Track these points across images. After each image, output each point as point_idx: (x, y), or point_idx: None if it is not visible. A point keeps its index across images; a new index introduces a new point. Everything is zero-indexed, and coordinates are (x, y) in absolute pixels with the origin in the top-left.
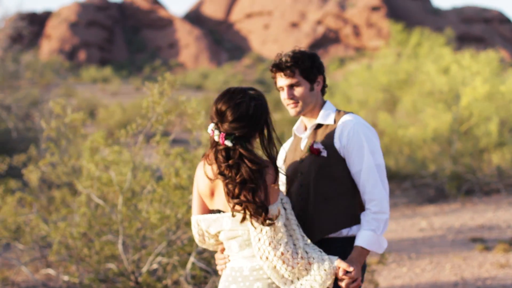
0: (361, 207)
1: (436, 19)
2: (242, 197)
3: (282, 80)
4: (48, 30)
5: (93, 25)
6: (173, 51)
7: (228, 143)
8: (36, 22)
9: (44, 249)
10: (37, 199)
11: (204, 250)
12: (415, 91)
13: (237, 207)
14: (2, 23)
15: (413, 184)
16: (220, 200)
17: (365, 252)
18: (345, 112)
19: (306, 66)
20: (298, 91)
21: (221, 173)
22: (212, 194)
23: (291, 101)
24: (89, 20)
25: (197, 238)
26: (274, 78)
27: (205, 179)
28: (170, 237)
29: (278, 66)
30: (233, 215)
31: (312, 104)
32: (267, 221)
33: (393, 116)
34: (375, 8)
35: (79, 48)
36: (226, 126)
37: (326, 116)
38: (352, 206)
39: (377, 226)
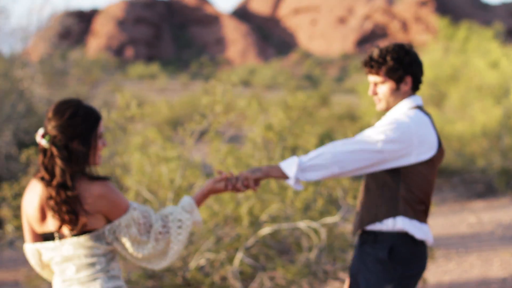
0: (405, 200)
1: (485, 14)
2: (56, 201)
3: (370, 76)
4: (96, 27)
5: (140, 22)
6: (220, 47)
7: (44, 142)
8: (84, 19)
9: None
10: None
11: (253, 245)
12: (463, 86)
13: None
14: (50, 21)
15: (461, 179)
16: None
17: (275, 170)
18: (415, 109)
19: (391, 65)
20: (381, 89)
21: (41, 177)
22: (43, 215)
23: (376, 97)
24: (136, 17)
25: (38, 268)
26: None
27: (34, 199)
28: (218, 233)
29: (365, 63)
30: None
31: (395, 102)
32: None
33: (440, 112)
34: (423, 3)
35: (126, 45)
36: (48, 126)
37: (392, 112)
38: (393, 198)
39: (305, 157)
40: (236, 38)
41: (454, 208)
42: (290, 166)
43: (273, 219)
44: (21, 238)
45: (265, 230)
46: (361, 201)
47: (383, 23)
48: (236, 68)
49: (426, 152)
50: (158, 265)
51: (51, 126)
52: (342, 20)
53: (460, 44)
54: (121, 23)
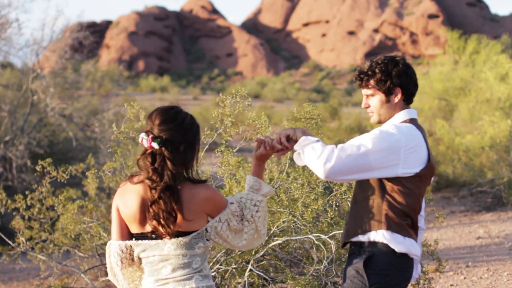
0: (388, 213)
1: (494, 26)
2: (160, 203)
3: (362, 89)
4: (108, 40)
5: (151, 34)
6: (231, 60)
7: (155, 145)
8: (96, 31)
9: (103, 257)
10: (97, 208)
11: (263, 258)
12: (472, 99)
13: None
14: (63, 33)
15: (470, 192)
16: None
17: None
18: (409, 122)
19: (379, 77)
20: (372, 101)
21: (149, 178)
22: (144, 216)
23: (368, 110)
24: (148, 29)
25: (118, 264)
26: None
27: (135, 200)
28: None
29: (355, 76)
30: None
31: (388, 115)
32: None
33: (449, 124)
34: (432, 16)
35: (138, 57)
36: (155, 129)
37: (384, 125)
38: (378, 211)
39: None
40: (246, 51)
41: (463, 221)
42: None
43: (283, 231)
44: (32, 250)
45: (275, 242)
46: (349, 212)
47: (393, 36)
48: (246, 81)
49: (414, 166)
50: (256, 244)
51: (161, 130)
52: (351, 33)
53: (469, 57)
54: (133, 36)
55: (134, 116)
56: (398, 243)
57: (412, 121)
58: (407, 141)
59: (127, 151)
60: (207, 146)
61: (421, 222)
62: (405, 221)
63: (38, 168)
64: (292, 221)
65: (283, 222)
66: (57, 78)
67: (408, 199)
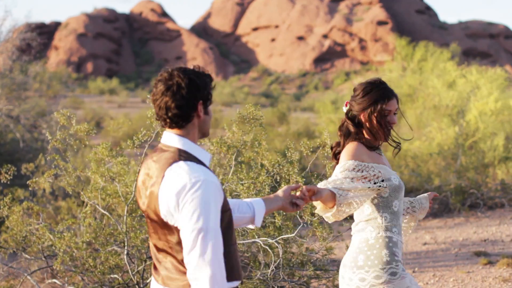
0: None
1: (442, 34)
2: None
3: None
4: (56, 41)
5: (100, 36)
6: (180, 63)
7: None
8: (45, 33)
9: (50, 259)
10: (44, 209)
11: None
12: (419, 105)
13: None
14: (10, 34)
15: None
16: None
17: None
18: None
19: None
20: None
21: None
22: None
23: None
24: (97, 31)
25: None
26: None
27: None
28: None
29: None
30: None
31: None
32: None
33: (397, 130)
34: (381, 23)
35: (87, 59)
36: None
37: None
38: None
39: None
40: (196, 54)
41: None
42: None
43: None
44: None
45: None
46: None
47: (342, 42)
48: None
49: None
50: None
51: None
52: (301, 38)
53: (417, 64)
54: (82, 37)
55: (67, 122)
56: None
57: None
58: None
59: (65, 157)
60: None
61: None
62: None
63: None
64: None
65: None
66: (4, 79)
67: None
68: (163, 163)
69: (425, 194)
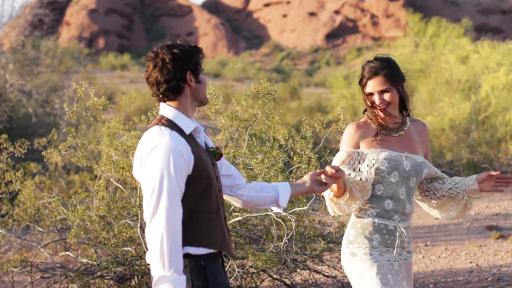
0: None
1: (454, 10)
2: None
3: None
4: (68, 17)
5: (112, 12)
6: (191, 39)
7: None
8: (56, 8)
9: (63, 232)
10: (57, 183)
11: None
12: (431, 81)
13: None
14: (23, 10)
15: None
16: None
17: None
18: None
19: None
20: None
21: None
22: None
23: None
24: (108, 7)
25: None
26: None
27: None
28: None
29: None
30: None
31: None
32: None
33: (410, 106)
34: None
35: (98, 35)
36: None
37: None
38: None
39: None
40: (207, 30)
41: None
42: None
43: (243, 208)
44: None
45: (235, 219)
46: None
47: (353, 18)
48: (207, 60)
49: None
50: None
51: None
52: (312, 14)
53: (429, 40)
54: (93, 13)
55: (85, 95)
56: None
57: None
58: None
59: (81, 130)
60: None
61: None
62: None
63: None
64: None
65: None
66: (16, 55)
67: None
68: (147, 129)
69: (475, 175)
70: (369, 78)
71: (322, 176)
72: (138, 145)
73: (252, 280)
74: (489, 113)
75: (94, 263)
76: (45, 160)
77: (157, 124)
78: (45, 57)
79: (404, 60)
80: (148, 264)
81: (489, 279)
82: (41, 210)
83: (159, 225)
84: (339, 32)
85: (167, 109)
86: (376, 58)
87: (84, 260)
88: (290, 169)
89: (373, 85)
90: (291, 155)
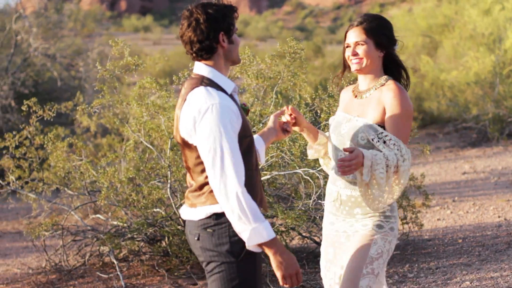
0: None
1: None
2: None
3: None
4: None
5: None
6: None
7: None
8: None
9: (93, 195)
10: (85, 146)
11: None
12: (455, 35)
13: None
14: None
15: (455, 128)
16: None
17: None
18: None
19: None
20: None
21: None
22: None
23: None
24: None
25: None
26: None
27: None
28: None
29: None
30: None
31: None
32: None
33: (433, 61)
34: None
35: None
36: None
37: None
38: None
39: None
40: None
41: (448, 156)
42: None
43: (270, 166)
44: (22, 188)
45: (263, 178)
46: None
47: None
48: None
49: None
50: None
51: None
52: None
53: None
54: None
55: (119, 53)
56: None
57: None
58: None
59: (113, 88)
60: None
61: None
62: None
63: (23, 108)
64: (280, 156)
65: (271, 157)
66: (39, 18)
67: None
68: (187, 89)
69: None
70: (348, 29)
71: (283, 118)
72: (185, 108)
73: (282, 238)
74: None
75: (125, 225)
76: (74, 122)
77: (200, 84)
78: (68, 21)
79: (427, 14)
80: (179, 225)
81: None
82: (72, 172)
83: (231, 184)
84: None
85: (205, 69)
86: (365, 14)
87: (115, 222)
88: (317, 127)
89: (349, 36)
90: (318, 113)
